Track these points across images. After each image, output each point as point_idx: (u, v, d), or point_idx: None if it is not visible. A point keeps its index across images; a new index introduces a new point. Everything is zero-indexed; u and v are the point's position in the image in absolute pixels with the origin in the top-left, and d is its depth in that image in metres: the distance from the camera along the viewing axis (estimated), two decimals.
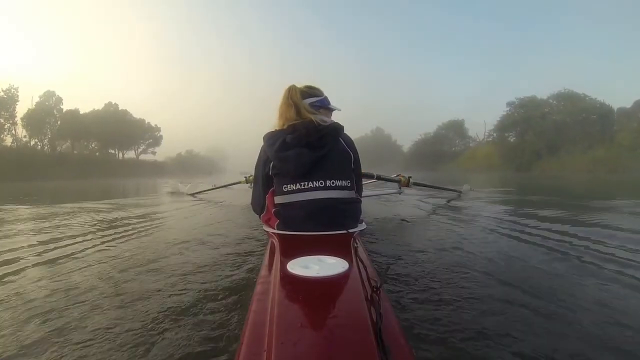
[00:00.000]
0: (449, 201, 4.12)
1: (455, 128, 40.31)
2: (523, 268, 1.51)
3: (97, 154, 37.66)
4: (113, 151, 39.90)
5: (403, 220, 2.88)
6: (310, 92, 1.25)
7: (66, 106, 34.64)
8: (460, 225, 2.68)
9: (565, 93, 26.27)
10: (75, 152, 35.79)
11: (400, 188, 3.33)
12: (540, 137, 24.21)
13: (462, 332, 0.91)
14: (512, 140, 28.53)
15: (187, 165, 47.98)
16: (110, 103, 40.06)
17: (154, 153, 44.23)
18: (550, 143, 23.63)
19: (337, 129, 1.14)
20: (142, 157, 43.50)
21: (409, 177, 3.33)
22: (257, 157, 1.22)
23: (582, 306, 1.07)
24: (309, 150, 1.05)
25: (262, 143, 1.20)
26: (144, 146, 43.27)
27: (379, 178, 3.23)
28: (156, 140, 44.21)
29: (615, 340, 0.87)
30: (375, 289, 0.56)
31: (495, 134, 32.21)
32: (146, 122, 43.30)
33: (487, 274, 1.40)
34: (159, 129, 44.41)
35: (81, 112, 36.28)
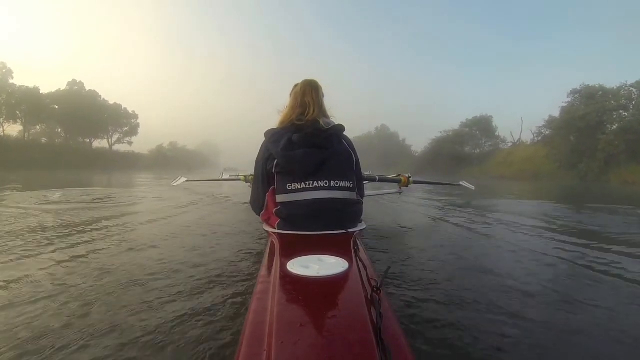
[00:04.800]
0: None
1: (482, 126, 35.73)
2: (526, 270, 1.66)
3: (70, 142, 36.47)
4: (83, 139, 40.19)
5: (403, 220, 3.13)
6: (323, 93, 1.40)
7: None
8: (460, 225, 2.90)
9: None
10: (44, 139, 34.43)
11: (400, 188, 3.74)
12: (620, 136, 22.18)
13: (462, 332, 1.01)
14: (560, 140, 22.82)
15: (167, 158, 48.66)
16: (74, 81, 38.07)
17: (130, 143, 43.52)
18: (633, 145, 21.69)
19: (340, 130, 1.29)
20: (118, 147, 42.72)
21: (409, 177, 3.71)
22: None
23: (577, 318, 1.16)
24: (315, 151, 1.18)
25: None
26: (119, 135, 42.75)
27: (380, 180, 3.61)
28: (133, 129, 43.26)
29: None
30: (375, 289, 0.63)
31: (547, 131, 26.73)
32: (122, 107, 42.12)
33: (488, 274, 1.54)
34: (136, 116, 42.83)
35: (45, 93, 35.89)
